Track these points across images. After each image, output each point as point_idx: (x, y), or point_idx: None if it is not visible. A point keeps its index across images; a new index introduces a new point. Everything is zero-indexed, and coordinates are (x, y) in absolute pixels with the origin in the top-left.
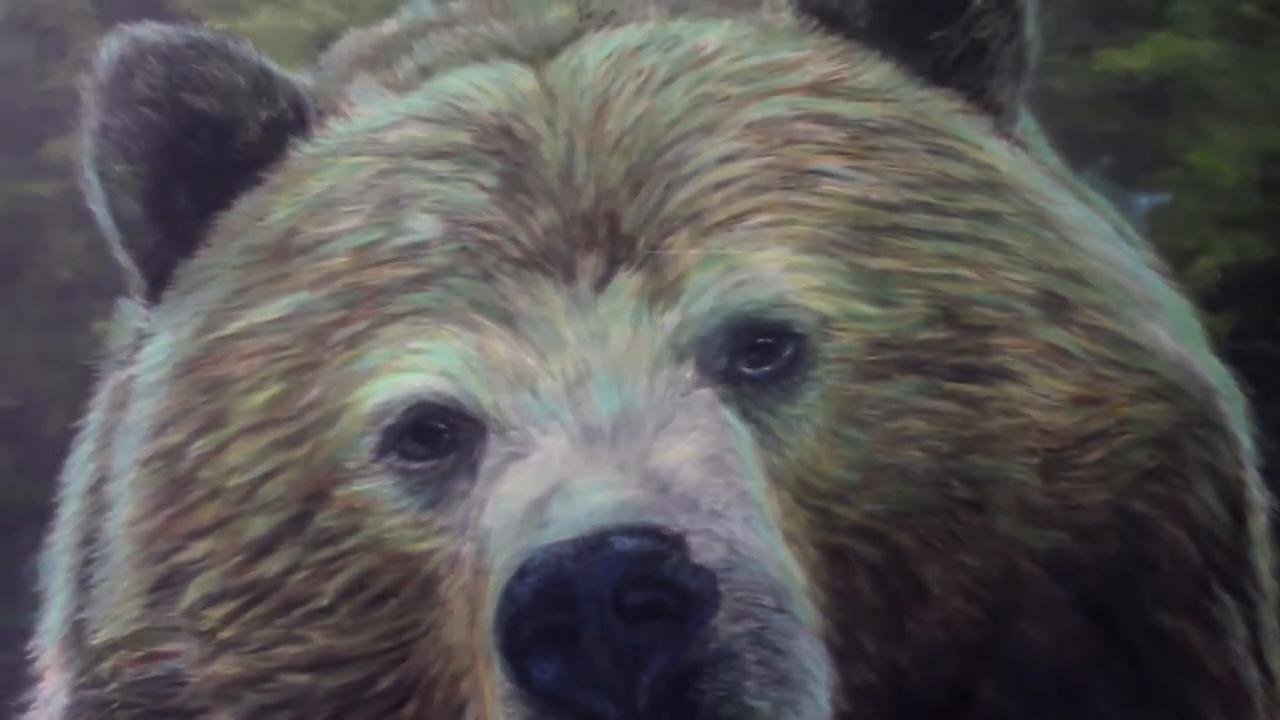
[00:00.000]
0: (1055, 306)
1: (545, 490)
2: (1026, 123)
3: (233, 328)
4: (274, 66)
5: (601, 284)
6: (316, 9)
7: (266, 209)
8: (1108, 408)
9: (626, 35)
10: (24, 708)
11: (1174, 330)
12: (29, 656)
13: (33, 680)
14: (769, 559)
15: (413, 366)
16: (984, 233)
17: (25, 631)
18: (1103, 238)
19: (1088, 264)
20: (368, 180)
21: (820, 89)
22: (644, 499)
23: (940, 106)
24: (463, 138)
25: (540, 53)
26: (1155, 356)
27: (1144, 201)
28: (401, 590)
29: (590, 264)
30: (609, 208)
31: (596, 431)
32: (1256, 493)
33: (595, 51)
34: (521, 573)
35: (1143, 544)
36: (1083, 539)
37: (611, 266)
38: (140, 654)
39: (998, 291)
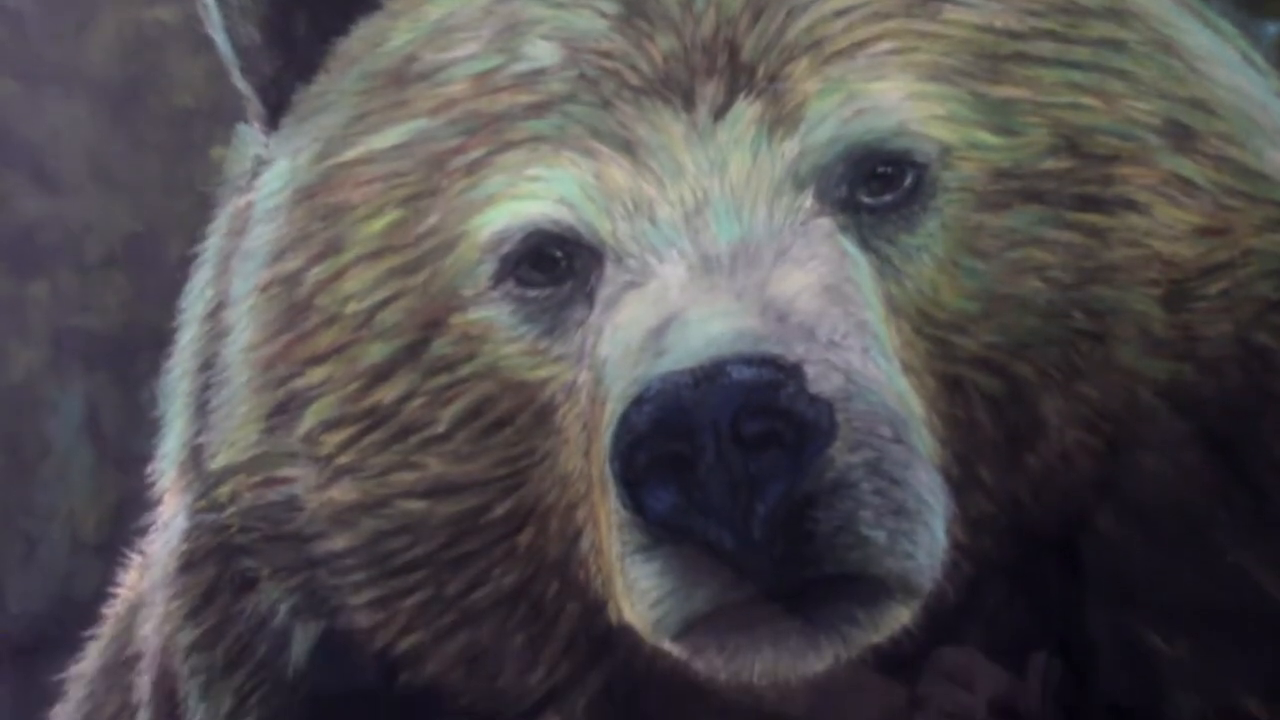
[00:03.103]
0: (1180, 136)
1: (663, 319)
2: None
3: (351, 154)
4: None
5: (721, 112)
6: None
7: (385, 35)
8: (1232, 238)
9: None
10: (144, 531)
11: None
12: (148, 481)
13: (152, 504)
14: (887, 389)
15: (530, 194)
16: (1109, 61)
17: (144, 456)
18: (1230, 66)
19: (1214, 92)
20: (486, 6)
21: None
22: (762, 328)
23: None
24: None
25: None
26: None
27: (1273, 29)
28: (517, 417)
29: (710, 91)
30: (729, 35)
31: (714, 260)
32: None
33: None
34: (639, 401)
35: (1265, 376)
36: (1204, 371)
37: (731, 94)
38: (258, 479)
39: (1122, 120)
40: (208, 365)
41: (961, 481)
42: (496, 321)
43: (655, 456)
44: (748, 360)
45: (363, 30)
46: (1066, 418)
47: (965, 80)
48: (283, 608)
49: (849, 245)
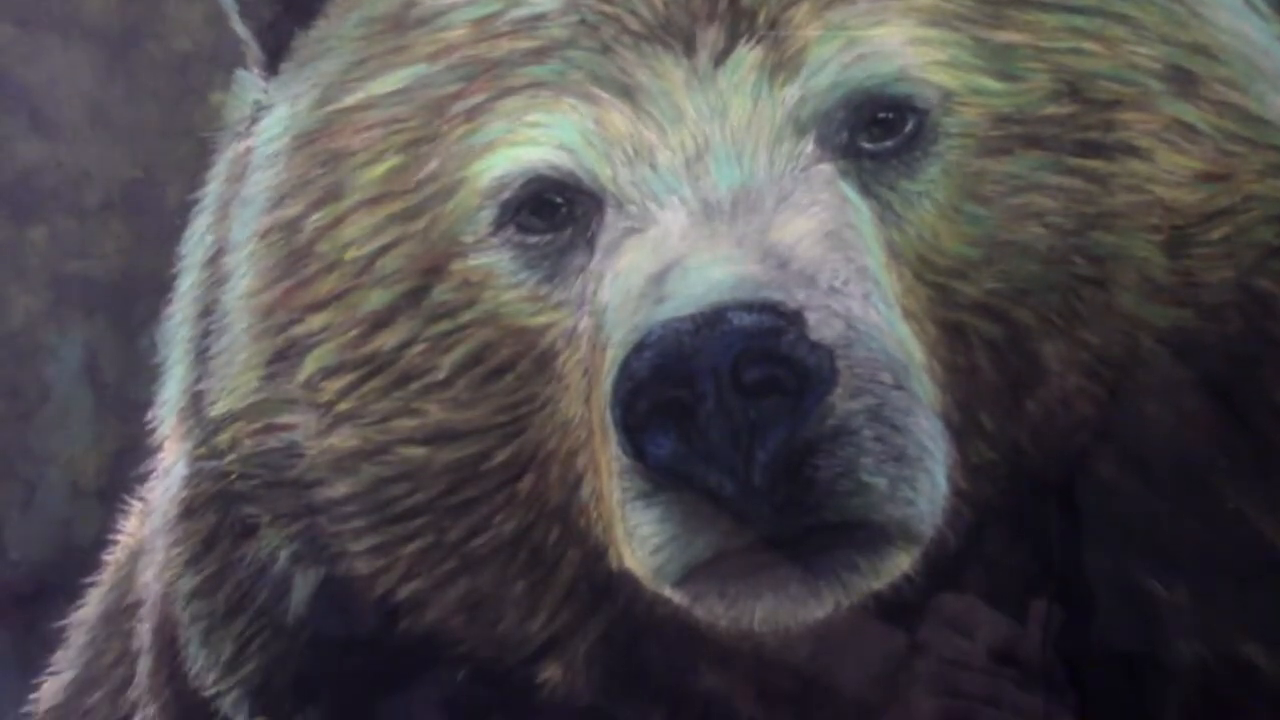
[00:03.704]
0: (1182, 81)
1: (663, 265)
2: None
3: (350, 100)
4: None
5: (722, 57)
6: None
7: None
8: (1234, 184)
9: None
10: (144, 478)
11: None
12: (148, 427)
13: (152, 451)
14: (887, 335)
15: (530, 140)
16: (1110, 5)
17: (144, 403)
18: (1231, 10)
19: (1216, 37)
20: None
21: None
22: (762, 274)
23: None
24: None
25: None
26: None
27: None
28: (518, 364)
29: (710, 37)
30: None
31: (715, 206)
32: None
33: None
34: (639, 347)
35: (1266, 322)
36: (1206, 317)
37: (732, 39)
38: (258, 425)
39: (1124, 66)
40: (207, 312)
41: (962, 428)
42: (497, 268)
43: (656, 403)
44: (748, 306)
45: None
46: (1067, 364)
47: (966, 25)
48: (283, 554)
49: (850, 191)
